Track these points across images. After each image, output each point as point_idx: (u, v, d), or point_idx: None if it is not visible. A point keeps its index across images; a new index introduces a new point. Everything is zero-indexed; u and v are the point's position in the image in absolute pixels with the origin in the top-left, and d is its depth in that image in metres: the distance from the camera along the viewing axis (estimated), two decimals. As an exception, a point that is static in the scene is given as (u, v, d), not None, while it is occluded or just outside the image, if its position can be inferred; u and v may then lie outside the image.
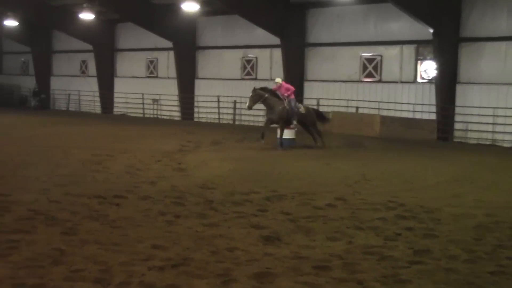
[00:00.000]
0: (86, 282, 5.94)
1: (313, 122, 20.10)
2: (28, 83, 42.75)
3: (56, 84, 41.61)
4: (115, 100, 37.58)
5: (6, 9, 35.73)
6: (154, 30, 32.73)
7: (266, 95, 19.36)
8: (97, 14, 32.50)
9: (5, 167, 13.56)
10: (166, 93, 34.32)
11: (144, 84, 35.93)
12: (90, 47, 37.74)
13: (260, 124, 28.52)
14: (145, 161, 15.31)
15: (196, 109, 33.39)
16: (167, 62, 34.76)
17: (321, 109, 27.26)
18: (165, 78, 35.12)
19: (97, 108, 38.45)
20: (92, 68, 38.88)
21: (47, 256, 6.73)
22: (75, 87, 39.96)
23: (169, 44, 33.12)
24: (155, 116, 35.02)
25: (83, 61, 39.96)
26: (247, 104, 19.60)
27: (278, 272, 6.43)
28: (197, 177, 12.90)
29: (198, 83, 33.26)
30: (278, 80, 20.06)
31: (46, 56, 41.83)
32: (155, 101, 35.15)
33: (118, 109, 37.40)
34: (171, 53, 33.60)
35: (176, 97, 33.96)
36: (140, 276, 6.14)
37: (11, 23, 36.71)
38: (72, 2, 33.34)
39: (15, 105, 41.47)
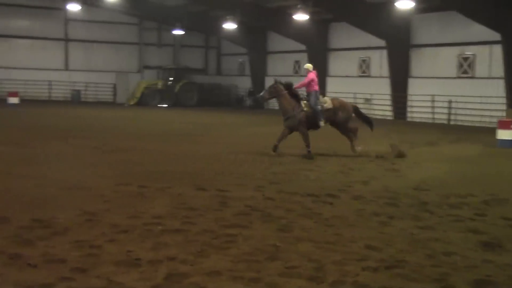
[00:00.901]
0: (301, 279, 6.00)
1: (345, 118, 16.57)
2: (245, 83, 44.60)
3: (270, 84, 42.86)
4: (327, 99, 37.92)
5: (226, 13, 37.61)
6: (367, 29, 32.55)
7: (283, 93, 16.35)
8: (311, 14, 32.99)
9: (223, 164, 14.18)
10: (379, 92, 33.97)
11: (356, 83, 35.87)
12: (303, 47, 38.46)
13: (477, 125, 27.25)
14: (357, 161, 15.24)
15: (409, 109, 32.66)
16: (379, 61, 34.40)
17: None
18: (377, 77, 34.79)
19: (309, 107, 39.04)
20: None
21: (263, 251, 6.90)
22: (289, 86, 40.89)
23: (382, 42, 32.75)
24: (367, 115, 34.73)
25: (296, 61, 40.80)
26: (262, 93, 17.37)
27: (500, 281, 6.06)
28: (410, 178, 12.57)
29: (411, 82, 32.51)
30: (309, 66, 17.00)
31: (261, 57, 43.34)
32: (367, 100, 34.96)
33: (330, 108, 37.71)
34: (384, 52, 33.21)
35: (388, 97, 33.51)
36: (354, 276, 6.08)
37: (229, 26, 38.55)
38: (287, 4, 34.21)
39: (232, 105, 43.48)
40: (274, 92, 16.59)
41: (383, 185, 11.62)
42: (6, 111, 30.14)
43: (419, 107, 31.74)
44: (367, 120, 17.25)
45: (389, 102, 33.59)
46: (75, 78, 43.67)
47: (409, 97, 32.58)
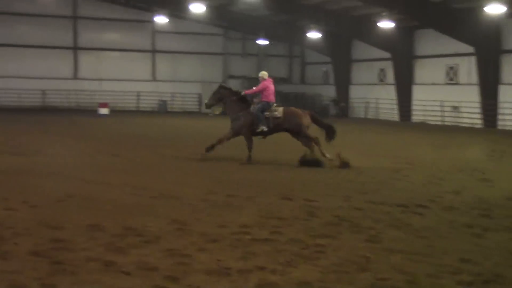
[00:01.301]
0: (393, 292, 5.88)
1: (297, 125, 15.95)
2: (329, 92, 44.38)
3: (355, 93, 42.60)
4: (413, 107, 37.28)
5: (310, 22, 37.61)
6: (454, 35, 31.81)
7: (232, 98, 16.23)
8: (396, 22, 32.56)
9: (309, 173, 14.09)
10: (467, 100, 33.08)
11: (443, 91, 35.07)
12: (388, 55, 37.99)
13: None
14: (446, 170, 14.86)
15: (500, 116, 31.62)
16: (468, 68, 33.50)
17: None
18: (465, 84, 33.89)
19: (395, 116, 38.52)
20: (390, 76, 39.09)
21: (353, 262, 6.81)
22: (373, 95, 40.52)
23: (470, 49, 31.91)
24: (455, 124, 33.96)
25: (381, 69, 40.35)
26: (206, 101, 16.85)
27: None
28: (504, 189, 12.14)
29: (502, 89, 31.48)
30: (264, 73, 16.43)
31: (345, 65, 43.04)
32: (455, 108, 34.11)
33: (416, 116, 37.06)
34: (473, 58, 32.33)
35: (477, 104, 32.57)
36: (449, 290, 5.92)
37: (314, 35, 38.52)
38: (372, 12, 33.88)
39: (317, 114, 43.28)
40: (220, 97, 16.49)
41: (475, 195, 11.27)
42: (97, 121, 31.10)
43: None
44: (327, 129, 16.36)
45: (478, 110, 32.64)
46: (162, 89, 44.66)
47: (500, 105, 31.55)
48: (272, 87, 16.30)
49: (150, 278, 6.11)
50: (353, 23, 36.74)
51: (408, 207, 10.00)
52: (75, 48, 43.41)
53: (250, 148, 15.89)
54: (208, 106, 17.14)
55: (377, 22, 32.74)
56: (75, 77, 43.51)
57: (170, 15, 41.48)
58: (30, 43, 41.67)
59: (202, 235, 7.85)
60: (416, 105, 36.99)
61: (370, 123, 35.75)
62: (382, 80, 40.49)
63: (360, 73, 42.36)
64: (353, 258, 6.97)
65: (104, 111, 35.65)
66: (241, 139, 16.16)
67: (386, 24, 32.34)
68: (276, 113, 16.00)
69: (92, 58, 43.62)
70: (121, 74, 43.66)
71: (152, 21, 43.38)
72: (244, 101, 16.26)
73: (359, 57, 42.19)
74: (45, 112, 38.05)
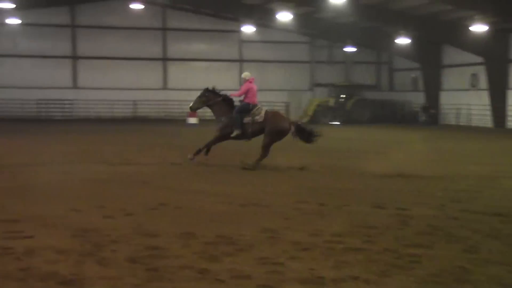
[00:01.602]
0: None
1: (269, 131, 15.90)
2: (418, 98, 43.54)
3: (446, 99, 41.63)
4: (508, 113, 36.05)
5: (398, 27, 37.01)
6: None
7: (218, 100, 16.61)
8: (490, 25, 31.57)
9: (401, 181, 13.82)
10: None
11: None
12: (480, 59, 36.92)
13: None
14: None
15: None
16: None
17: None
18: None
19: (488, 122, 37.36)
20: (482, 81, 37.96)
21: (449, 273, 6.64)
22: (465, 101, 39.47)
23: None
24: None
25: (473, 74, 39.25)
26: (191, 104, 16.76)
27: None
28: None
29: None
30: (246, 74, 16.62)
31: (435, 71, 42.13)
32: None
33: (511, 123, 35.84)
34: None
35: None
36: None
37: (402, 41, 37.89)
38: (463, 15, 33.01)
39: (406, 121, 42.59)
40: (206, 100, 16.75)
41: None
42: (186, 131, 31.60)
43: None
44: (309, 137, 16.45)
45: None
46: (249, 98, 44.97)
47: None
48: (255, 87, 16.41)
49: (245, 287, 6.13)
50: (444, 27, 35.89)
51: (506, 217, 9.65)
52: (165, 59, 44.43)
53: (208, 145, 16.51)
54: (193, 109, 17.41)
55: (469, 26, 31.84)
56: (165, 87, 44.52)
57: (257, 24, 41.83)
58: (121, 55, 42.95)
59: (294, 244, 7.82)
60: (511, 110, 35.77)
61: (462, 130, 34.85)
62: (474, 86, 39.38)
63: (451, 78, 41.36)
64: (450, 269, 6.79)
65: (193, 120, 36.22)
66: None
67: (478, 28, 31.40)
68: (258, 117, 16.07)
69: (180, 68, 44.51)
70: (209, 84, 44.02)
71: (239, 31, 43.92)
72: (229, 103, 16.63)
73: (450, 62, 41.21)
74: (135, 122, 39.07)
